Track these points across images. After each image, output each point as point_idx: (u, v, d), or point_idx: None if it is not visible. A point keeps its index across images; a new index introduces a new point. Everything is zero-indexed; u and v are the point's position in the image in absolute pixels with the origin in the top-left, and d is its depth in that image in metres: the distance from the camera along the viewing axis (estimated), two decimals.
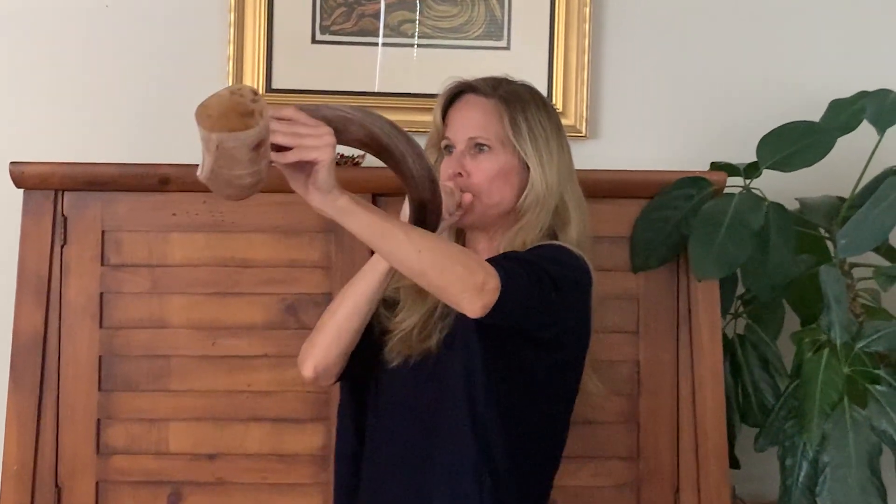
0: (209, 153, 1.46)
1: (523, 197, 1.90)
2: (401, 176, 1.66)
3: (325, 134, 1.56)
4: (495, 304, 1.66)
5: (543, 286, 1.74)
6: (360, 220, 1.61)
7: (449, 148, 1.94)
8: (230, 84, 2.64)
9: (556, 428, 1.91)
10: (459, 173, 1.90)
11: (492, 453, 1.80)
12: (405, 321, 1.91)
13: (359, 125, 1.61)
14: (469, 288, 1.64)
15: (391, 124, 1.64)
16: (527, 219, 1.90)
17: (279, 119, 1.54)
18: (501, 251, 1.89)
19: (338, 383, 1.99)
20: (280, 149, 1.54)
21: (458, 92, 1.96)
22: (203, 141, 1.46)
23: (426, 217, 1.71)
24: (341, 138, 1.60)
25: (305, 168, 1.56)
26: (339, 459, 2.01)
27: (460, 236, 1.99)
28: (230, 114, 1.48)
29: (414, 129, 2.56)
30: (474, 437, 1.80)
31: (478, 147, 1.90)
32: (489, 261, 1.73)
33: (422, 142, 1.98)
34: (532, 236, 1.89)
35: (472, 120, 1.92)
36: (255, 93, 1.49)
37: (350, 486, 1.98)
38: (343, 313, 1.88)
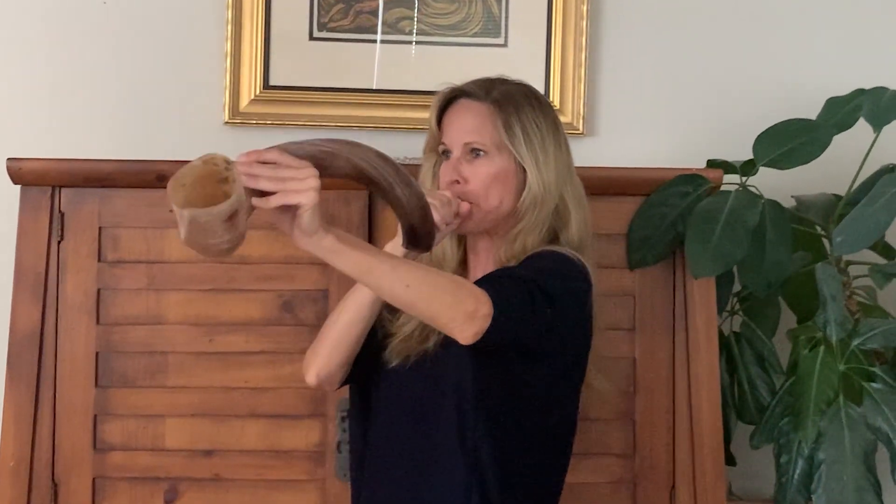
0: (182, 226, 1.45)
1: (522, 199, 1.89)
2: (390, 204, 1.65)
3: (309, 177, 1.53)
4: (487, 329, 1.66)
5: (536, 303, 1.74)
6: (346, 258, 1.59)
7: (447, 153, 1.93)
8: (227, 80, 2.64)
9: (555, 433, 1.89)
10: (457, 180, 1.89)
11: (480, 461, 1.79)
12: (406, 324, 1.91)
13: (344, 159, 1.59)
14: (459, 317, 1.64)
15: (378, 154, 1.62)
16: (526, 221, 1.88)
17: (263, 163, 1.52)
18: (502, 254, 1.89)
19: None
20: (263, 192, 1.52)
21: (453, 97, 1.95)
22: (176, 214, 1.45)
23: (418, 242, 1.70)
24: (327, 173, 1.58)
25: (290, 209, 1.54)
26: (353, 459, 2.02)
27: (462, 240, 1.99)
28: (205, 181, 1.47)
29: (412, 126, 2.58)
30: (461, 446, 1.79)
31: (473, 152, 1.89)
32: (481, 281, 1.73)
33: (421, 141, 1.99)
34: (532, 238, 1.88)
35: (466, 125, 1.90)
36: (228, 161, 1.48)
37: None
38: (344, 322, 1.88)
